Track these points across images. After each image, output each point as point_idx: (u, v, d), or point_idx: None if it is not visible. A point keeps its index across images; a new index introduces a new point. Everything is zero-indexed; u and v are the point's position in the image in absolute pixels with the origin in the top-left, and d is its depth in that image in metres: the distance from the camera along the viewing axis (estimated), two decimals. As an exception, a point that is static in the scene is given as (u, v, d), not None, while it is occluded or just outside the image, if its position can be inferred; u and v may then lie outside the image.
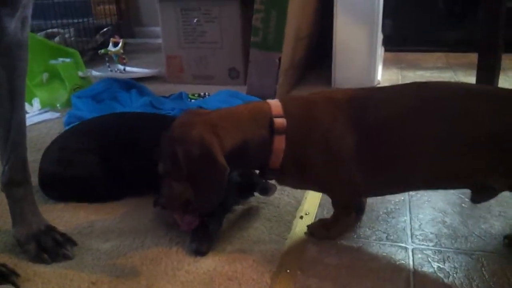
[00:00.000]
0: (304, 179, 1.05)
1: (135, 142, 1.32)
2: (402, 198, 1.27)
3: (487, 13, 1.75)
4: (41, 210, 1.14)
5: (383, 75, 2.59)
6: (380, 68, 2.52)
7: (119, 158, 1.32)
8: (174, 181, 1.01)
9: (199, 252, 1.06)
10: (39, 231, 1.08)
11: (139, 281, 0.98)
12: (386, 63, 2.82)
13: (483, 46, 1.80)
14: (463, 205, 1.23)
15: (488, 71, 1.78)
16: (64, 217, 1.25)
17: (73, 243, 1.10)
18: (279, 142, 0.99)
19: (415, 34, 3.26)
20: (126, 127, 1.38)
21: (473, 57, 2.94)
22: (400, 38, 3.19)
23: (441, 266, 0.99)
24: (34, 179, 1.32)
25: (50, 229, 1.10)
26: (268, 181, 1.13)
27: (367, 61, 2.33)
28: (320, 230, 1.12)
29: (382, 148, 0.98)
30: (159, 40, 2.78)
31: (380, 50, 2.50)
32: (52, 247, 1.06)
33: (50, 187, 1.34)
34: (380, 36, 2.38)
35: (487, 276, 0.96)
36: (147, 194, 1.30)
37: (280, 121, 1.00)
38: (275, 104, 1.03)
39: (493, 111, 0.93)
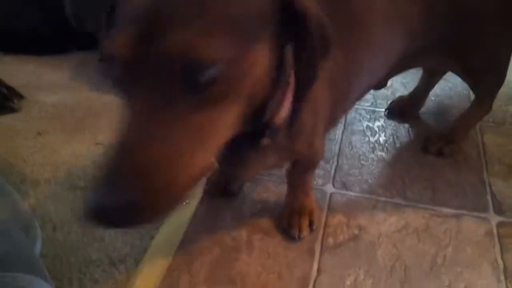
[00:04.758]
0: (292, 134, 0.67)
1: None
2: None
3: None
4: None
5: None
6: None
7: (62, 10, 1.28)
8: None
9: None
10: (-18, 84, 1.09)
11: (84, 133, 1.02)
12: None
13: None
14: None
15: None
16: (12, 70, 1.25)
17: (20, 96, 1.12)
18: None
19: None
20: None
21: None
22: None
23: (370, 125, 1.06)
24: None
25: (-4, 83, 1.11)
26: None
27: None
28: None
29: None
30: None
31: None
32: (-3, 100, 1.08)
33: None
34: None
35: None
36: (92, 48, 1.29)
37: None
38: None
39: None
